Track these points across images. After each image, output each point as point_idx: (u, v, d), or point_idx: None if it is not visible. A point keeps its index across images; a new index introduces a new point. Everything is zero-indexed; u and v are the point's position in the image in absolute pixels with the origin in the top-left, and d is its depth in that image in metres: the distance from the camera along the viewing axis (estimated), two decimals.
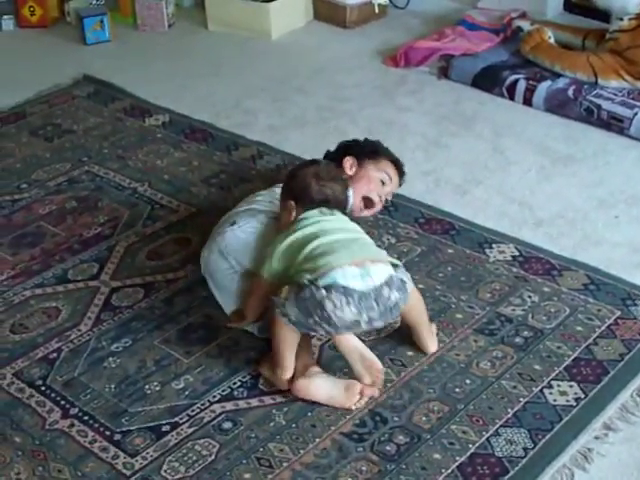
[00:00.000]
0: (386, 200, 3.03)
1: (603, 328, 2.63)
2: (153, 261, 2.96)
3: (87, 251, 3.01)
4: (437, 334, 2.61)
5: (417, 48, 4.14)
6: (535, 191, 3.29)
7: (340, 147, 3.07)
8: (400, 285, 2.38)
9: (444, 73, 4.06)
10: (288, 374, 2.42)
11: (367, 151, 3.02)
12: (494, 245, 2.99)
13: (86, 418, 2.39)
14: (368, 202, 2.93)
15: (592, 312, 2.69)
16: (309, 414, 2.38)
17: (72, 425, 2.37)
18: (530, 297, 2.76)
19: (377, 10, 4.64)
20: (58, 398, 2.45)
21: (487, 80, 3.93)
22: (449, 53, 4.07)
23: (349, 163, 2.95)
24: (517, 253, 2.95)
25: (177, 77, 4.19)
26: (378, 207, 2.98)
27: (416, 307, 2.52)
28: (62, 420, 2.39)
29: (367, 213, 2.98)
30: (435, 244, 3.00)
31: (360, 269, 2.32)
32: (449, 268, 2.89)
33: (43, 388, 2.48)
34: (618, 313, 2.69)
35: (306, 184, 2.56)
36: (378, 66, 4.24)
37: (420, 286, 2.78)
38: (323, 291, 2.27)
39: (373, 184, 2.95)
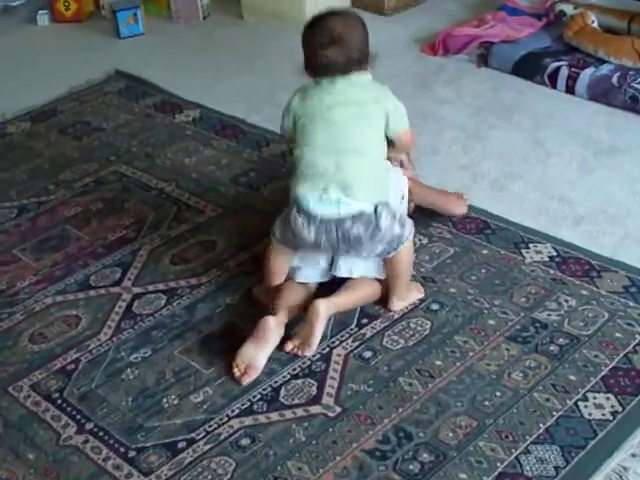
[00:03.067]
0: None
1: None
2: (177, 265, 2.88)
3: (110, 255, 2.94)
4: (414, 303, 2.63)
5: (456, 35, 4.00)
6: (575, 185, 3.14)
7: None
8: (371, 221, 2.42)
9: (484, 61, 3.92)
10: (276, 281, 2.58)
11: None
12: (531, 245, 2.86)
13: (101, 434, 2.32)
14: None
15: (632, 317, 2.55)
16: (330, 430, 2.28)
17: (87, 441, 2.30)
18: (567, 301, 2.63)
19: None
20: (74, 412, 2.38)
21: (528, 68, 3.78)
22: (488, 40, 3.92)
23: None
24: (555, 253, 2.81)
25: (210, 70, 4.10)
26: None
27: (401, 261, 2.55)
28: (77, 435, 2.32)
29: None
30: (469, 244, 2.88)
31: (325, 195, 2.41)
32: (483, 270, 2.77)
33: (59, 401, 2.42)
34: None
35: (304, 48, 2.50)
36: (416, 54, 4.11)
37: (451, 290, 2.68)
38: (294, 211, 2.45)
39: None
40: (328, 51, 2.41)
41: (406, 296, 2.63)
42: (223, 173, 3.32)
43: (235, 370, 2.44)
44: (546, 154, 3.32)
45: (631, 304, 2.59)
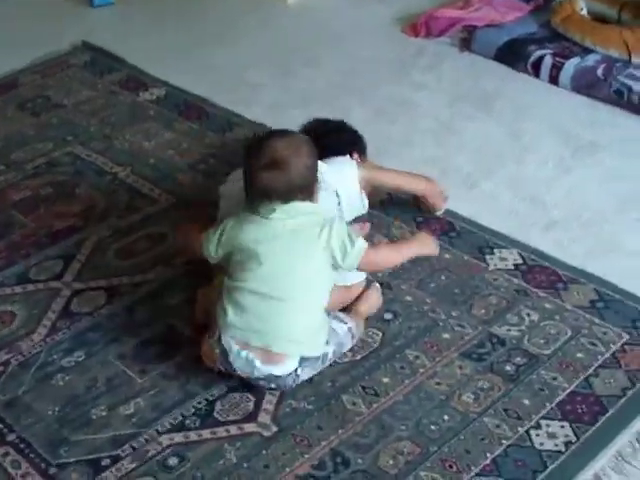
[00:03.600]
0: None
1: (607, 355, 2.34)
2: (122, 260, 2.73)
3: (55, 246, 2.79)
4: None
5: (439, 17, 3.81)
6: (551, 186, 2.98)
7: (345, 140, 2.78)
8: (287, 382, 2.23)
9: (466, 45, 3.73)
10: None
11: (363, 145, 2.81)
12: (496, 250, 2.70)
13: (22, 446, 2.17)
14: None
15: (597, 335, 2.40)
16: (263, 451, 2.14)
17: (6, 454, 2.16)
18: (529, 315, 2.47)
19: None
20: None
21: (511, 54, 3.60)
22: (472, 24, 3.73)
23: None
24: (520, 261, 2.66)
25: (182, 44, 3.92)
26: None
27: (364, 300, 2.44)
28: None
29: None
30: None
31: (242, 352, 2.19)
32: (442, 277, 2.61)
33: None
34: (626, 337, 2.39)
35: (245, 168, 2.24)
36: (397, 36, 3.92)
37: (407, 298, 2.54)
38: (215, 338, 2.24)
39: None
40: (268, 174, 2.16)
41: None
42: (182, 159, 3.16)
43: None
44: (523, 150, 3.15)
45: (596, 321, 2.44)
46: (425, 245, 2.46)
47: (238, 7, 4.23)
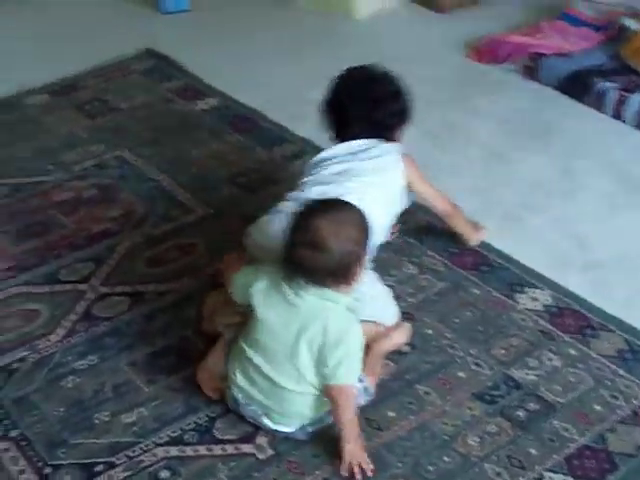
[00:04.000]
0: None
1: (627, 411, 2.24)
2: (150, 268, 2.73)
3: (88, 248, 2.82)
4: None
5: (505, 42, 3.74)
6: (598, 226, 2.88)
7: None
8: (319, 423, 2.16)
9: (530, 73, 3.64)
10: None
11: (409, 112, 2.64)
12: (528, 289, 2.62)
13: (24, 443, 2.19)
14: None
15: (619, 388, 2.30)
16: (255, 474, 2.11)
17: (7, 449, 2.18)
18: (550, 360, 2.39)
19: None
20: (3, 416, 2.26)
21: (576, 86, 3.50)
22: (538, 51, 3.64)
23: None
24: (552, 302, 2.57)
25: (246, 56, 3.93)
26: None
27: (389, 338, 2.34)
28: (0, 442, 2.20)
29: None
30: (460, 281, 2.65)
31: (255, 409, 2.17)
32: (468, 312, 2.54)
33: None
34: None
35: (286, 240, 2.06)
36: (462, 59, 3.86)
37: (428, 331, 2.48)
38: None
39: None
40: (306, 253, 1.99)
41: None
42: (224, 171, 3.16)
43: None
44: (575, 186, 3.06)
45: (621, 372, 2.34)
46: (351, 453, 2.11)
47: (307, 21, 4.22)
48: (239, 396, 2.18)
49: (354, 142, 2.52)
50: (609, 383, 2.31)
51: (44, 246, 2.83)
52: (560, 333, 2.47)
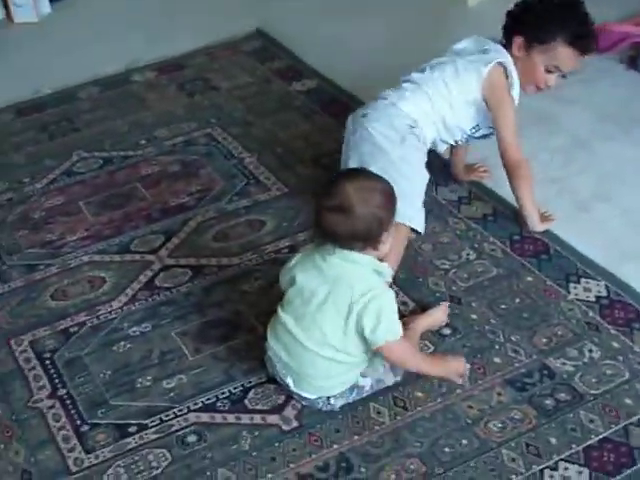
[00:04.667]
0: (563, 76, 2.75)
1: None
2: (217, 242, 2.84)
3: (162, 221, 2.95)
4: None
5: (610, 31, 3.62)
6: None
7: (515, 14, 2.74)
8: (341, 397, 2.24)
9: (633, 63, 3.53)
10: None
11: (541, 31, 2.67)
12: (583, 279, 2.57)
13: (68, 402, 2.33)
14: (535, 88, 2.76)
15: None
16: (276, 444, 2.18)
17: (52, 407, 2.32)
18: (591, 351, 2.35)
19: None
20: (55, 375, 2.41)
21: None
22: None
23: (517, 44, 2.70)
24: (605, 293, 2.52)
25: (354, 40, 3.95)
26: (548, 87, 2.76)
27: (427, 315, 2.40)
28: (47, 399, 2.35)
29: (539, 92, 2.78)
30: (516, 268, 2.63)
31: (284, 371, 2.25)
32: (517, 300, 2.53)
33: (47, 362, 2.45)
34: None
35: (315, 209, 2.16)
36: None
37: (473, 316, 2.49)
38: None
39: (537, 74, 2.71)
40: (332, 217, 2.08)
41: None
42: (309, 151, 3.22)
43: None
44: None
45: None
46: (450, 373, 2.27)
47: (418, 6, 4.22)
48: (270, 354, 2.26)
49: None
50: None
51: (122, 217, 2.98)
52: (607, 325, 2.42)
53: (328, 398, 2.23)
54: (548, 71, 2.69)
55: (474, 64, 2.70)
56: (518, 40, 2.69)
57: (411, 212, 2.54)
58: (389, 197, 2.13)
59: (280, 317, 2.22)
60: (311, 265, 2.18)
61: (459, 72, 2.71)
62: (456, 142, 2.82)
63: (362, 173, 2.22)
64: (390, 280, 2.26)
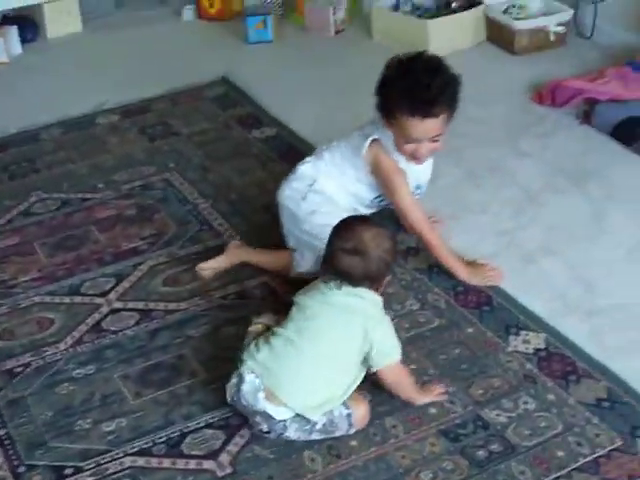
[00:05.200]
0: (435, 140, 2.70)
1: (589, 459, 2.22)
2: (166, 287, 2.87)
3: (114, 265, 2.98)
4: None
5: (565, 86, 3.71)
6: (613, 272, 2.84)
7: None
8: (276, 427, 2.28)
9: (587, 119, 3.60)
10: None
11: (384, 110, 2.73)
12: (523, 332, 2.61)
13: (7, 442, 2.35)
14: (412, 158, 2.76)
15: (587, 436, 2.28)
16: None
17: None
18: (526, 403, 2.38)
19: (552, 38, 4.21)
20: None
21: (626, 133, 3.45)
22: (594, 97, 3.60)
23: (384, 121, 2.75)
24: (543, 346, 2.56)
25: (317, 88, 4.03)
26: (427, 155, 2.76)
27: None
28: None
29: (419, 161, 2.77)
30: (458, 319, 2.67)
31: (258, 382, 2.28)
32: (456, 351, 2.56)
33: None
34: (619, 443, 2.25)
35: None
36: (523, 101, 3.84)
37: (412, 366, 2.50)
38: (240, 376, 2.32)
39: (400, 148, 2.73)
40: (348, 258, 2.27)
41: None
42: (262, 199, 3.26)
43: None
44: (599, 232, 3.02)
45: (594, 421, 2.31)
46: (435, 396, 2.41)
47: (381, 58, 4.24)
48: (246, 372, 2.27)
49: None
50: (578, 430, 2.29)
51: (75, 259, 3.01)
52: (544, 377, 2.45)
53: (286, 421, 2.25)
54: (407, 142, 2.69)
55: (356, 143, 2.80)
56: (383, 117, 2.73)
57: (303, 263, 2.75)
58: (395, 244, 2.37)
59: (278, 331, 2.30)
60: (316, 291, 2.33)
61: (346, 154, 2.83)
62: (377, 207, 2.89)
63: (372, 220, 2.42)
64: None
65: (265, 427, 2.29)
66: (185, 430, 2.36)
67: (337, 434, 2.30)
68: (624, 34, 4.17)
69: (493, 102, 3.84)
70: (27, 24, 4.62)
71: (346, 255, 2.27)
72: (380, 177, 2.77)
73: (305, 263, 2.73)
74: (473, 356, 2.54)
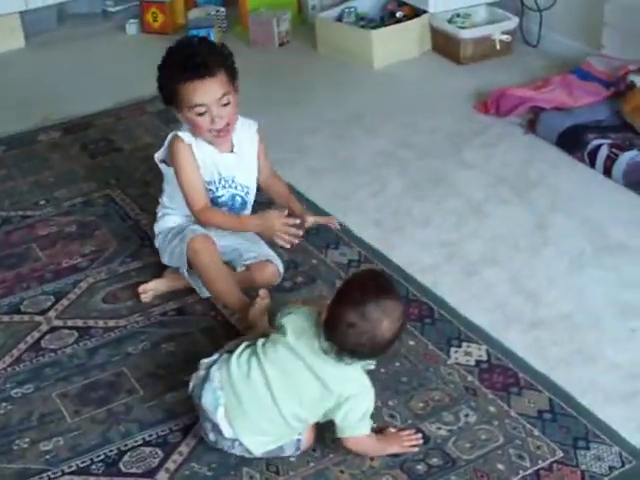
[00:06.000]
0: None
1: (529, 471, 2.22)
2: (106, 304, 2.83)
3: (54, 282, 2.94)
4: None
5: (510, 95, 3.72)
6: (555, 282, 2.85)
7: None
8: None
9: (531, 127, 3.62)
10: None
11: (162, 93, 2.80)
12: (465, 344, 2.61)
13: None
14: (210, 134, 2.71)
15: (528, 448, 2.27)
16: None
17: None
18: (467, 416, 2.37)
19: (498, 46, 4.23)
20: None
21: (570, 141, 3.46)
22: (539, 105, 3.62)
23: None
24: (485, 358, 2.56)
25: (261, 100, 3.98)
26: (223, 126, 2.70)
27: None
28: None
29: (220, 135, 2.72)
30: None
31: (219, 395, 2.21)
32: (397, 364, 2.55)
33: None
34: (560, 455, 2.25)
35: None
36: (468, 110, 3.85)
37: None
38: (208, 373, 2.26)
39: (196, 124, 2.69)
40: (358, 336, 2.09)
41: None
42: None
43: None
44: (542, 242, 3.03)
45: (535, 433, 2.31)
46: (405, 448, 2.28)
47: (325, 69, 4.30)
48: (215, 377, 2.21)
49: None
50: (519, 442, 2.29)
51: (14, 277, 2.96)
52: (484, 390, 2.45)
53: (235, 440, 2.21)
54: (199, 115, 2.67)
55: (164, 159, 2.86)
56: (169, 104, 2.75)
57: None
58: (404, 311, 2.17)
59: (262, 357, 2.20)
60: (309, 349, 2.17)
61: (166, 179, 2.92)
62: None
63: (384, 285, 2.17)
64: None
65: (212, 437, 2.25)
66: (123, 448, 2.33)
67: (283, 455, 2.27)
68: (569, 42, 4.19)
69: (438, 112, 3.85)
70: None
71: (357, 333, 2.08)
72: (174, 169, 2.77)
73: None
74: (414, 369, 2.53)
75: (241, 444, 2.22)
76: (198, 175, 2.75)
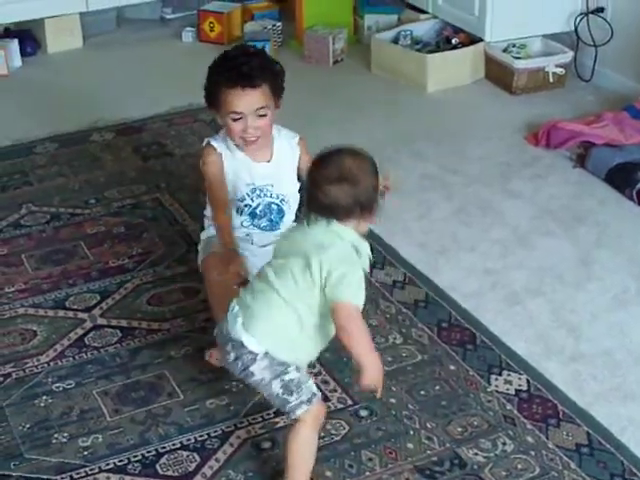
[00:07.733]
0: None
1: None
2: (151, 306, 2.86)
3: (100, 281, 2.98)
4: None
5: (561, 128, 3.72)
6: (598, 318, 2.84)
7: None
8: (243, 359, 2.17)
9: (581, 162, 3.62)
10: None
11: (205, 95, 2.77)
12: (505, 372, 2.61)
13: None
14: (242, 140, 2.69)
15: None
16: None
17: None
18: (505, 444, 2.38)
19: (551, 79, 4.23)
20: None
21: (620, 178, 3.46)
22: (589, 140, 3.62)
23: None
24: (525, 387, 2.56)
25: (310, 116, 4.03)
26: (254, 136, 2.68)
27: (290, 448, 2.16)
28: None
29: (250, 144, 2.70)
30: (441, 356, 2.67)
31: (237, 311, 2.19)
32: (437, 387, 2.56)
33: None
34: None
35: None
36: (518, 141, 3.86)
37: (391, 400, 2.50)
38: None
39: (228, 128, 2.68)
40: (336, 188, 2.11)
41: None
42: None
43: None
44: (587, 276, 3.02)
45: (572, 466, 2.31)
46: (377, 370, 2.12)
47: (377, 89, 4.32)
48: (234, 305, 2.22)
49: None
50: (556, 475, 2.29)
51: (61, 273, 3.01)
52: (524, 419, 2.45)
53: (257, 355, 2.15)
54: (234, 120, 2.66)
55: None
56: (210, 106, 2.75)
57: None
58: (375, 164, 2.21)
59: (262, 269, 2.23)
60: (296, 231, 2.26)
61: None
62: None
63: (348, 147, 2.22)
64: (367, 267, 2.20)
65: (232, 356, 2.17)
66: (161, 450, 2.35)
67: (291, 400, 2.14)
68: (623, 79, 4.20)
69: (488, 140, 3.86)
70: (28, 38, 4.64)
71: (334, 185, 2.10)
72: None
73: None
74: (454, 393, 2.53)
75: (265, 358, 2.15)
76: (220, 188, 2.74)
